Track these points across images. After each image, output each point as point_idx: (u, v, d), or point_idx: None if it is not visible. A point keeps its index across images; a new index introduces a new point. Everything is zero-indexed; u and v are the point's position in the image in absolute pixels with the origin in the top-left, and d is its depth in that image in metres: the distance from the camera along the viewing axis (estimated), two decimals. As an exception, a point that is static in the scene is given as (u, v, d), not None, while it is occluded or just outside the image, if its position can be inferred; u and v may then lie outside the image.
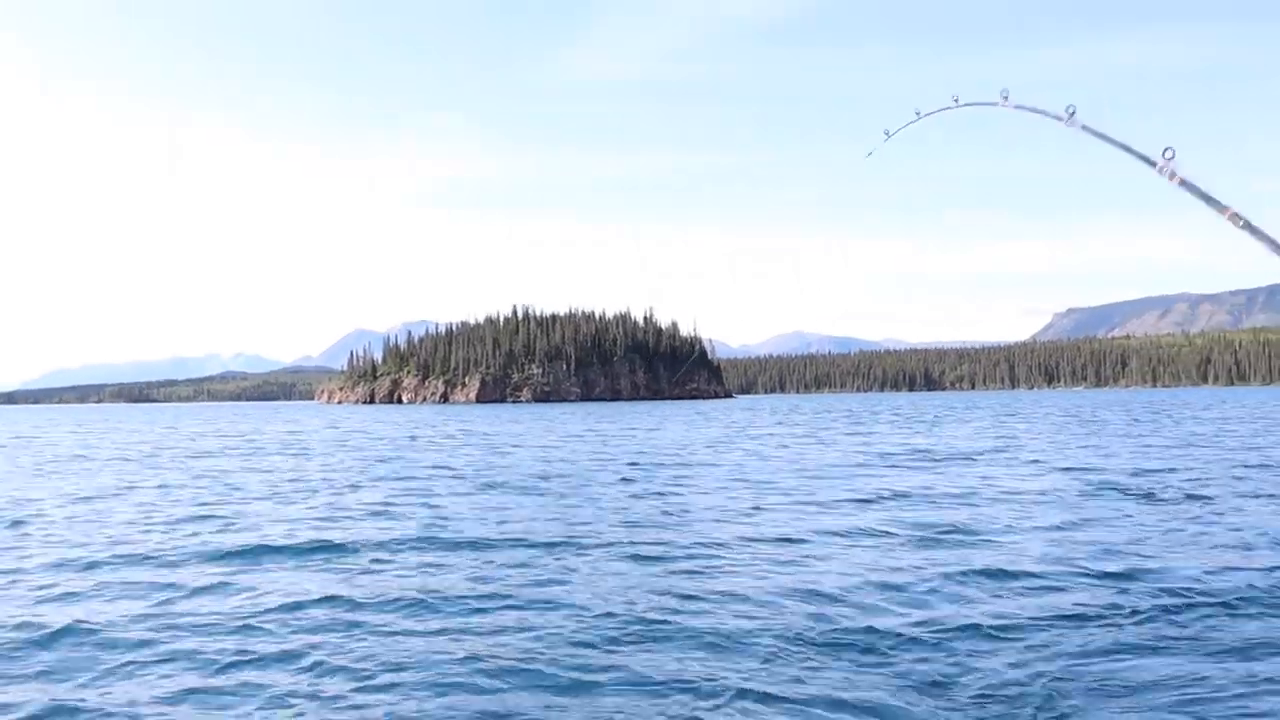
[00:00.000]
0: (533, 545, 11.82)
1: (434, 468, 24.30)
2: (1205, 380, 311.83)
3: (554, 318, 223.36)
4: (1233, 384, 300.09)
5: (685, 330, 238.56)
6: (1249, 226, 3.24)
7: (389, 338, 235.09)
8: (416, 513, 15.15)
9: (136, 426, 68.94)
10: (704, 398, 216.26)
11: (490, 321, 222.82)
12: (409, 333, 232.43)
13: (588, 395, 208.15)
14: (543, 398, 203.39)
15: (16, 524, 14.37)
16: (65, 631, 7.83)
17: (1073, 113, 4.71)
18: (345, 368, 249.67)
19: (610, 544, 11.85)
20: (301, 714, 6.01)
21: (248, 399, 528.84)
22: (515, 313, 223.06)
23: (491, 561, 10.80)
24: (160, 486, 20.46)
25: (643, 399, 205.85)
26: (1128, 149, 4.17)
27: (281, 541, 12.32)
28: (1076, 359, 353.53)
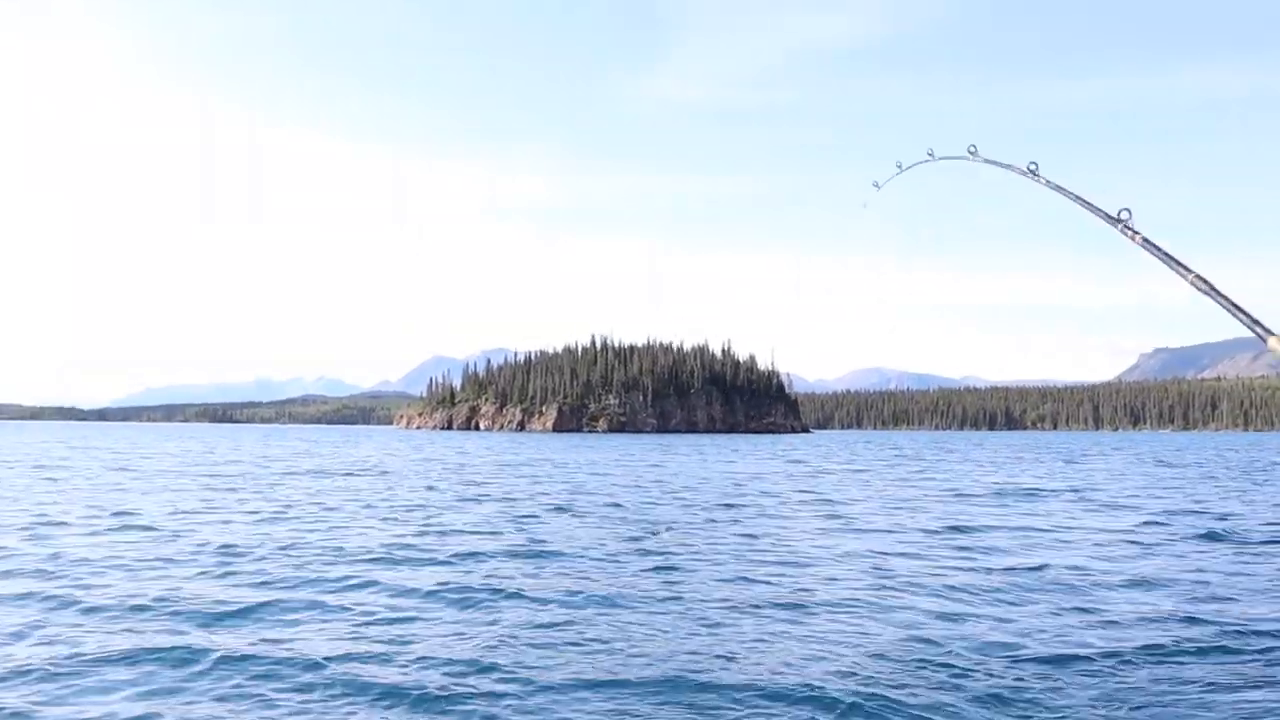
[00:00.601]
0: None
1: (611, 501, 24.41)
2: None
3: (631, 348, 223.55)
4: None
5: (763, 363, 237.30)
6: (1211, 290, 3.25)
7: (468, 365, 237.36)
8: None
9: (254, 446, 72.02)
10: (780, 432, 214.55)
11: (568, 351, 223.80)
12: (488, 360, 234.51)
13: (664, 427, 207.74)
14: (619, 428, 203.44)
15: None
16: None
17: (1035, 169, 4.80)
18: (423, 393, 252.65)
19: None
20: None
21: (327, 422, 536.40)
22: (593, 343, 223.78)
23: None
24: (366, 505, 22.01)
25: (719, 431, 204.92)
26: (1090, 205, 4.20)
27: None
28: (1164, 400, 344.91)
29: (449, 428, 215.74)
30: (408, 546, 15.32)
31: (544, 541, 16.07)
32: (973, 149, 5.51)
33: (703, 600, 11.01)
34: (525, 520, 19.38)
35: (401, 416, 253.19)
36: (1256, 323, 3.21)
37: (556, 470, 40.44)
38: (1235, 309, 3.29)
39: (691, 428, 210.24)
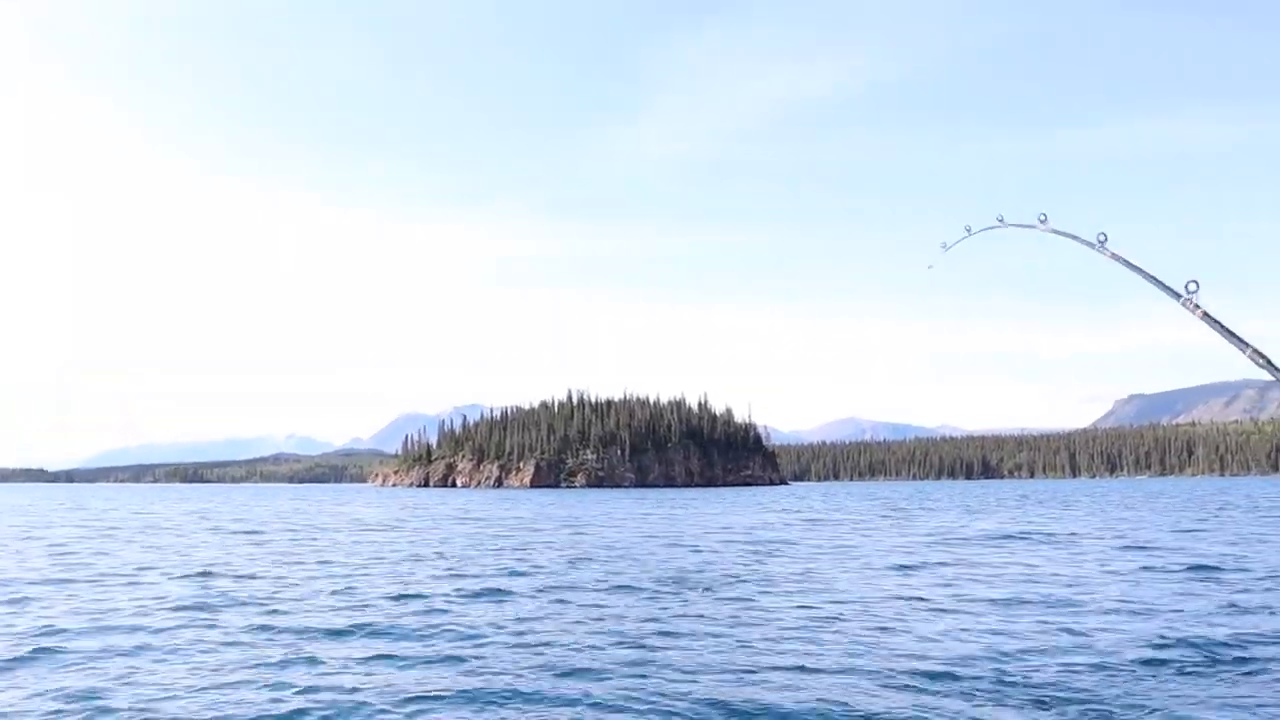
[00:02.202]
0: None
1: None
2: (1276, 468, 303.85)
3: (609, 403, 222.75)
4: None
5: (740, 416, 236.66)
6: (1269, 365, 3.54)
7: (445, 422, 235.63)
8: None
9: (251, 506, 70.61)
10: (759, 484, 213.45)
11: (545, 406, 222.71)
12: (464, 417, 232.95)
13: (642, 481, 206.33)
14: (596, 483, 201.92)
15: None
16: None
17: (1104, 240, 4.90)
18: (398, 451, 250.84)
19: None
20: None
21: (299, 481, 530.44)
22: (570, 398, 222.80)
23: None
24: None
25: (697, 485, 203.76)
26: (1154, 280, 4.27)
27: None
28: (1140, 446, 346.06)
29: (425, 485, 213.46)
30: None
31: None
32: (1043, 217, 5.53)
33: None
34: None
35: (377, 474, 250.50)
36: None
37: (598, 529, 38.88)
38: None
39: (670, 482, 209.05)
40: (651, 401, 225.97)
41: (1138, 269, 4.51)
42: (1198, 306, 3.94)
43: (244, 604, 15.71)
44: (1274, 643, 11.50)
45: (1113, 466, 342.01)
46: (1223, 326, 3.76)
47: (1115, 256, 4.75)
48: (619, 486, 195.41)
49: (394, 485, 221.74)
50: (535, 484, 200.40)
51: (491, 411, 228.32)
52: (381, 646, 11.90)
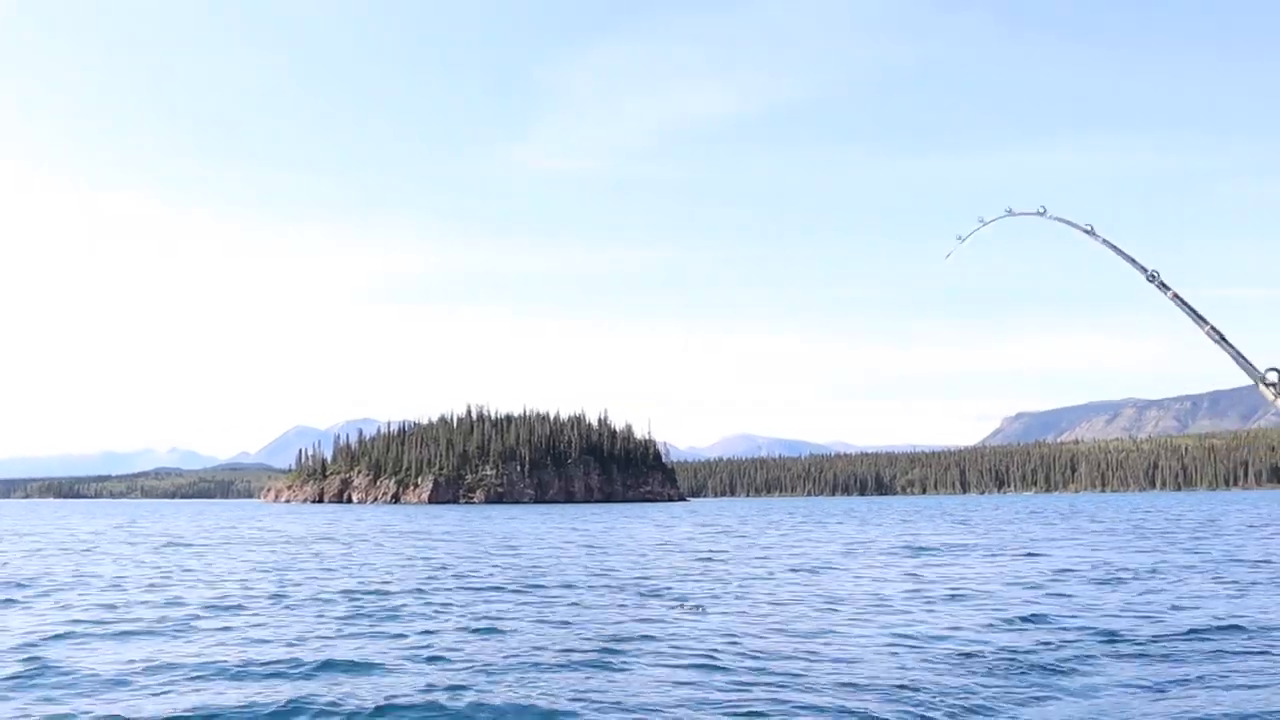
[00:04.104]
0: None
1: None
2: (1153, 485, 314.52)
3: (508, 419, 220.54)
4: (1179, 489, 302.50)
5: (639, 433, 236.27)
6: (1222, 340, 3.82)
7: (339, 436, 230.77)
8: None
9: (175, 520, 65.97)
10: (658, 500, 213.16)
11: (444, 421, 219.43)
12: (360, 431, 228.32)
13: (541, 497, 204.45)
14: (496, 499, 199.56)
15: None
16: None
17: (1091, 229, 5.63)
18: (291, 465, 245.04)
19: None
20: None
21: (183, 496, 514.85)
22: (469, 413, 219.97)
23: None
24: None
25: (596, 501, 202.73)
26: (1133, 261, 4.87)
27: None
28: (1026, 464, 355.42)
29: (320, 501, 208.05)
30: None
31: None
32: (1042, 209, 6.22)
33: None
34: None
35: (269, 490, 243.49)
36: (1251, 367, 3.59)
37: (529, 545, 37.24)
38: (1240, 356, 3.72)
39: (569, 497, 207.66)
40: (551, 417, 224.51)
41: (1122, 252, 5.11)
42: (1167, 287, 4.48)
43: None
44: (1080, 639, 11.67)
45: (1001, 483, 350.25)
46: (1186, 304, 4.31)
47: (1105, 242, 5.43)
48: (518, 502, 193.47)
49: (287, 501, 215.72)
50: (433, 500, 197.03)
51: (389, 426, 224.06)
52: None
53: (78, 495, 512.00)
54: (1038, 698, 9.38)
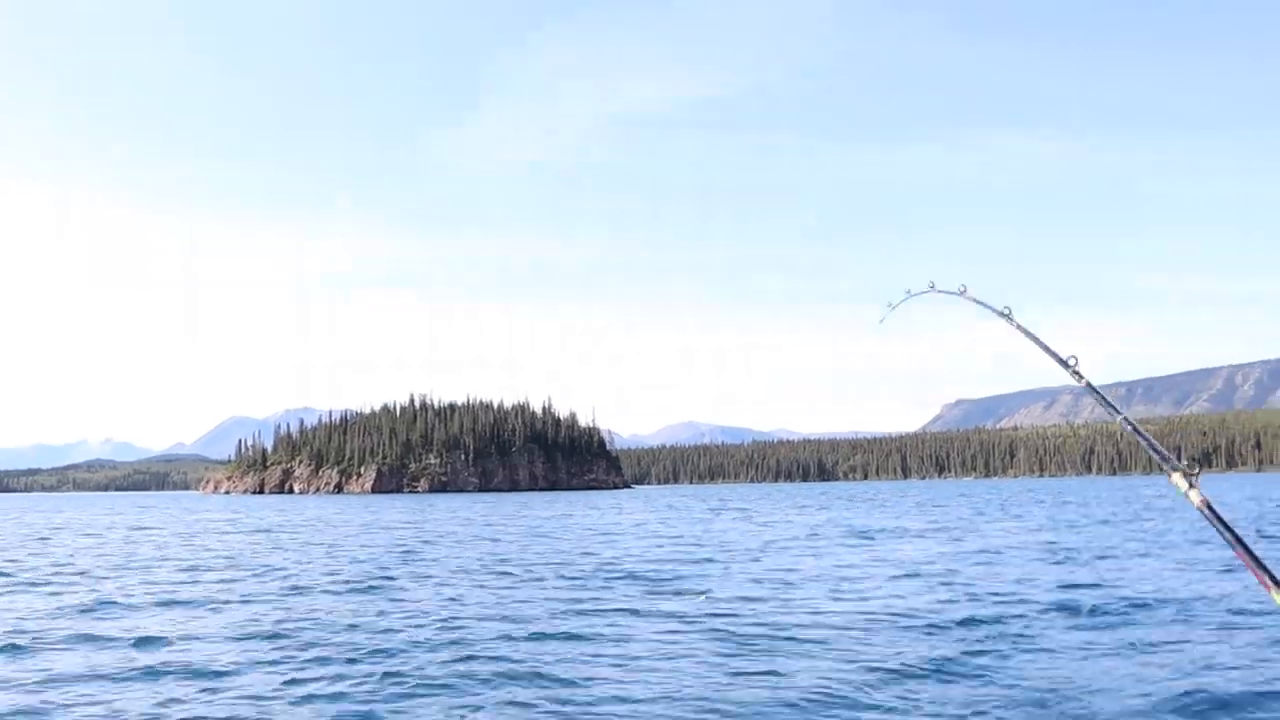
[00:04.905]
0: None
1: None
2: (1089, 470, 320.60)
3: (452, 407, 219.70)
4: (1115, 473, 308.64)
5: (584, 420, 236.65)
6: (1136, 430, 3.97)
7: (279, 426, 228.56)
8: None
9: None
10: (603, 488, 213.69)
11: (387, 410, 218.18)
12: (300, 420, 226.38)
13: (486, 486, 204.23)
14: (440, 488, 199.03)
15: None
16: None
17: (1009, 312, 5.79)
18: (229, 456, 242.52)
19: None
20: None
21: (117, 489, 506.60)
22: (412, 402, 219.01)
23: None
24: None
25: (541, 489, 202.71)
26: (1050, 351, 5.07)
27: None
28: (966, 450, 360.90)
29: (260, 491, 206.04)
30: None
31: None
32: (962, 288, 6.44)
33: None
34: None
35: (207, 481, 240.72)
36: (1164, 456, 3.70)
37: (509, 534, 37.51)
38: (1153, 445, 3.88)
39: (514, 486, 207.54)
40: (495, 406, 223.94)
41: (1036, 339, 5.30)
42: (1080, 375, 4.70)
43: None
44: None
45: (941, 468, 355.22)
46: (1102, 396, 4.57)
47: (1019, 328, 5.57)
48: (463, 491, 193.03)
49: (227, 492, 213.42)
50: (377, 489, 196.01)
51: (330, 415, 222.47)
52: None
53: (6, 489, 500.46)
54: (1003, 662, 10.34)
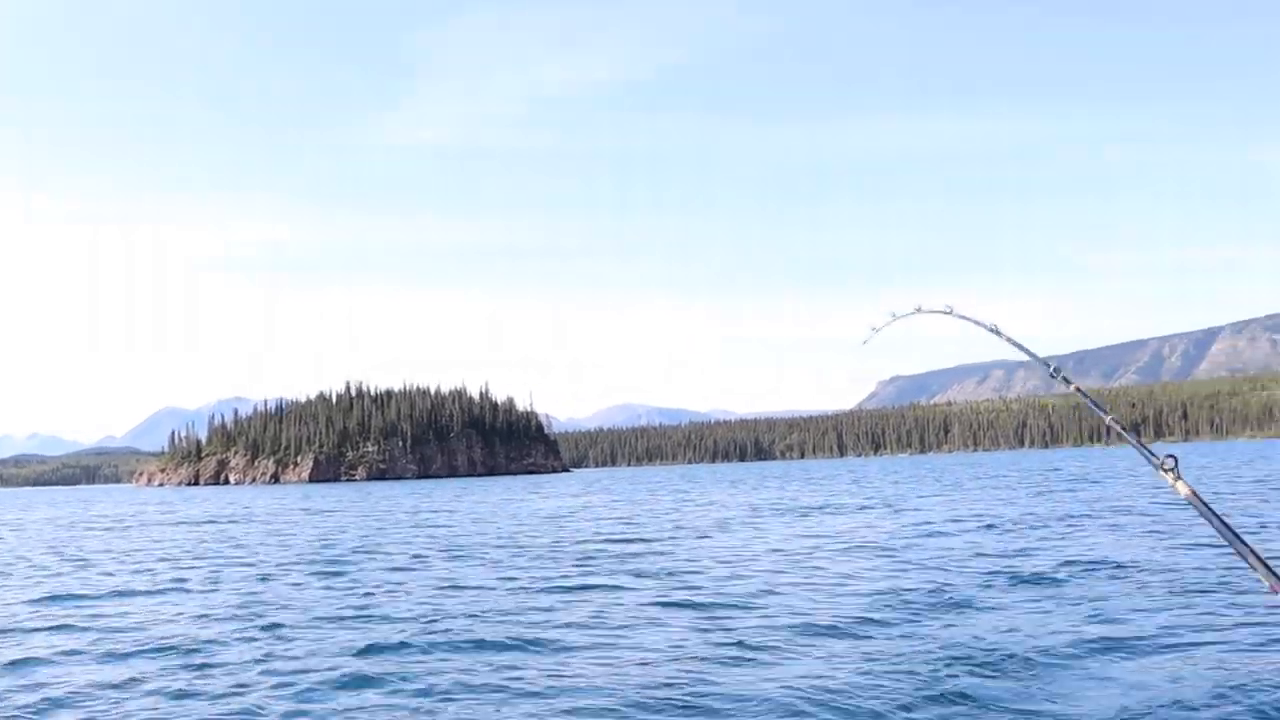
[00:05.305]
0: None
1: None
2: (1022, 443, 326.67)
3: (388, 394, 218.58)
4: (1047, 446, 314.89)
5: (521, 405, 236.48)
6: (1124, 431, 4.06)
7: (213, 416, 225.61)
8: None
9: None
10: (542, 472, 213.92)
11: (322, 399, 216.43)
12: (235, 410, 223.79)
13: (424, 472, 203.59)
14: (378, 475, 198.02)
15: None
16: None
17: (996, 328, 6.09)
18: (162, 448, 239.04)
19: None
20: None
21: (46, 484, 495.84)
22: (348, 390, 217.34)
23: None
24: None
25: (480, 474, 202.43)
26: (1036, 357, 5.33)
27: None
28: (901, 426, 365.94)
29: (195, 483, 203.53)
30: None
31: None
32: (949, 307, 6.62)
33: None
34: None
35: (141, 474, 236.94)
36: (1149, 455, 3.65)
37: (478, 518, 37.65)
38: (1140, 445, 3.91)
39: (453, 472, 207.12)
40: (432, 392, 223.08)
41: (1026, 350, 5.57)
42: (1069, 381, 4.83)
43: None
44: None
45: (877, 445, 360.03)
46: (1086, 395, 4.72)
47: (1010, 340, 5.85)
48: (401, 478, 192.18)
49: (160, 484, 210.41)
50: (314, 478, 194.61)
51: (265, 405, 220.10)
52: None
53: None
54: (955, 622, 11.18)
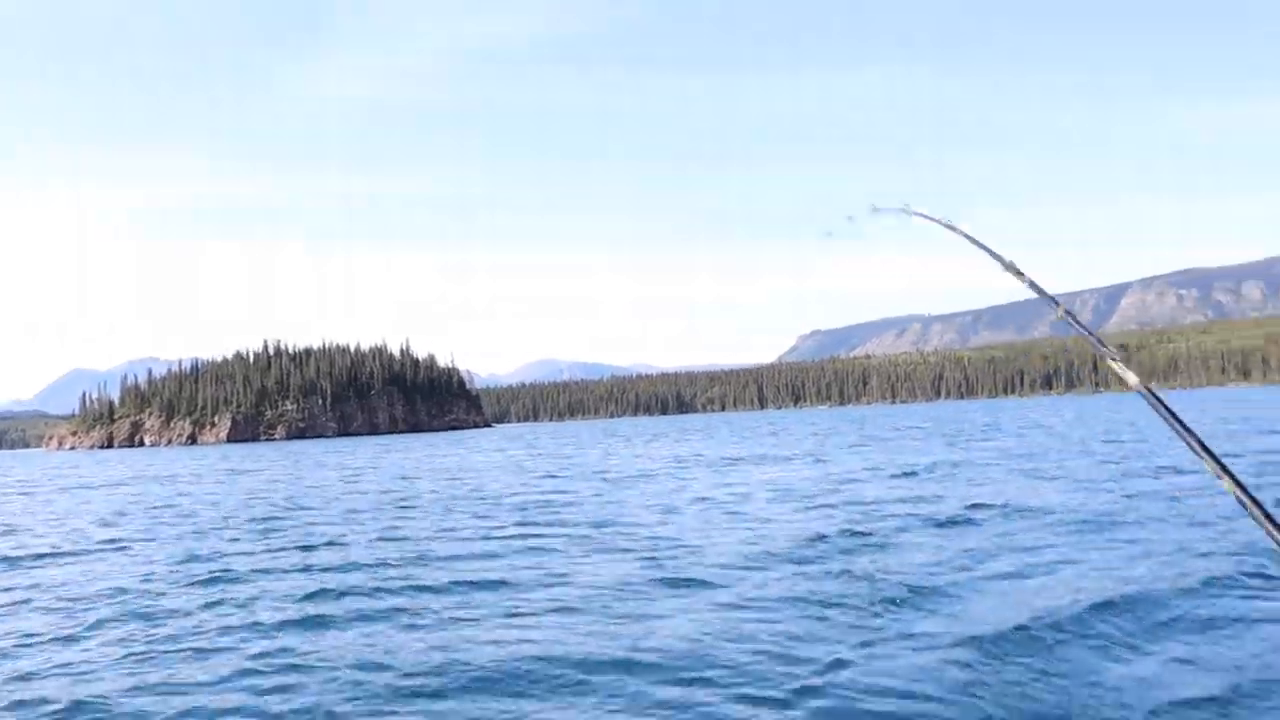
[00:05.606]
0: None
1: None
2: (939, 395, 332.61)
3: (307, 352, 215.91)
4: (962, 397, 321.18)
5: (442, 361, 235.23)
6: (1074, 321, 3.90)
7: (125, 377, 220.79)
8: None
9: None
10: (465, 428, 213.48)
11: (239, 358, 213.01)
12: (148, 371, 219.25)
13: (345, 430, 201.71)
14: (298, 434, 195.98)
15: None
16: None
17: (953, 223, 5.77)
18: (73, 411, 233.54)
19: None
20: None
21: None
22: (265, 348, 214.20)
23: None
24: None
25: (402, 432, 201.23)
26: (994, 254, 5.07)
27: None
28: (821, 379, 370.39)
29: (109, 446, 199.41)
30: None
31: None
32: (905, 205, 6.26)
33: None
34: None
35: (51, 438, 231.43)
36: (1101, 344, 3.66)
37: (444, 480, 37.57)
38: (1091, 335, 3.83)
39: (374, 429, 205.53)
40: (352, 349, 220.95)
41: (984, 246, 5.28)
42: (1022, 274, 4.65)
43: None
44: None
45: (797, 398, 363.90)
46: (1040, 289, 4.47)
47: (967, 236, 5.49)
48: (322, 436, 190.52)
49: (73, 448, 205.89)
50: (232, 439, 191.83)
51: (181, 365, 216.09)
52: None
53: None
54: (876, 558, 12.09)
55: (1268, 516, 2.16)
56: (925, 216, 6.12)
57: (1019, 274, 4.65)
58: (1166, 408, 2.86)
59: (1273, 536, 2.12)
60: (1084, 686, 6.83)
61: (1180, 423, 2.75)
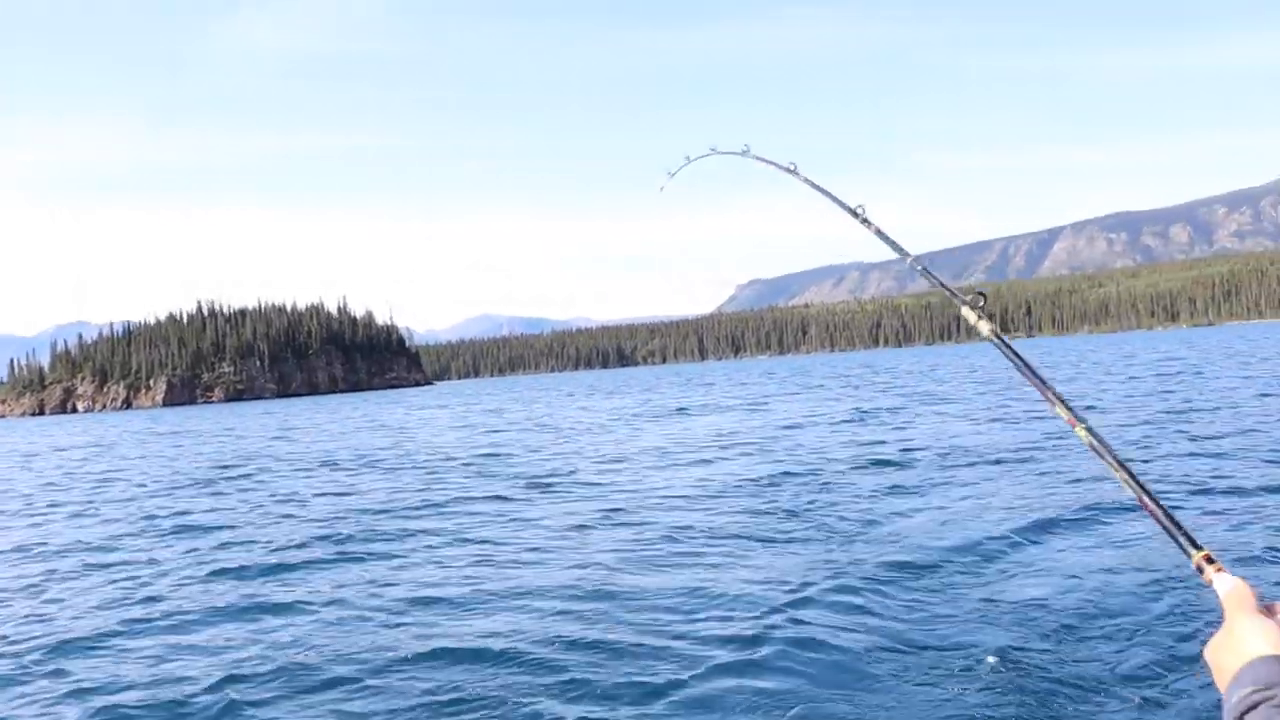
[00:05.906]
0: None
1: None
2: (877, 343, 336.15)
3: (243, 313, 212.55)
4: (900, 345, 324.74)
5: (381, 319, 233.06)
6: (926, 272, 3.84)
7: (55, 343, 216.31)
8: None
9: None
10: (405, 386, 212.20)
11: (173, 320, 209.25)
12: (79, 336, 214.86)
13: (284, 391, 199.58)
14: (236, 396, 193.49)
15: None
16: None
17: (794, 168, 5.45)
18: (0, 378, 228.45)
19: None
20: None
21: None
22: (200, 309, 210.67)
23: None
24: None
25: (343, 391, 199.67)
26: (838, 200, 4.78)
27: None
28: (761, 328, 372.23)
29: (40, 413, 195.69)
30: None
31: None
32: (745, 147, 6.11)
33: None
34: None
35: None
36: (955, 294, 3.48)
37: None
38: (944, 285, 3.75)
39: (313, 389, 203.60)
40: (289, 309, 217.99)
41: (825, 191, 5.00)
42: (869, 222, 4.38)
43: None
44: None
45: (737, 348, 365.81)
46: (890, 239, 4.23)
47: (806, 180, 5.19)
48: (260, 398, 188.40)
49: (2, 416, 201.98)
50: (169, 402, 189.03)
51: (112, 328, 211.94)
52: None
53: None
54: (819, 496, 12.85)
55: (1118, 462, 2.32)
56: (765, 160, 5.91)
57: (866, 222, 4.46)
58: (1020, 357, 2.89)
59: (1126, 483, 2.21)
60: (981, 602, 7.64)
61: (1031, 370, 2.98)
